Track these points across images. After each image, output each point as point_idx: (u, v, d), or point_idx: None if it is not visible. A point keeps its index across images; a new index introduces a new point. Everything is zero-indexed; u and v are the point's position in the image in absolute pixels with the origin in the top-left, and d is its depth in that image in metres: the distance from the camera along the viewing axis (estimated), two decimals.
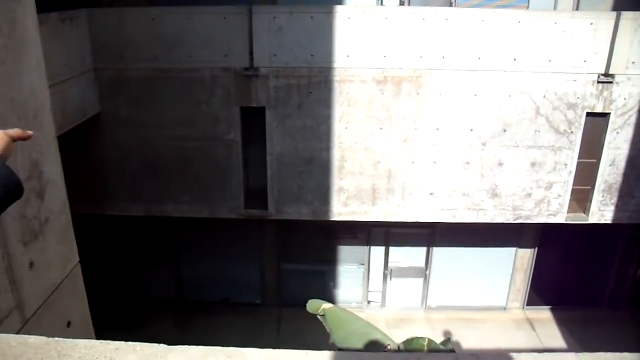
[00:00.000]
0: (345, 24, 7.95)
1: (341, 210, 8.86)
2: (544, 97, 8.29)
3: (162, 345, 1.20)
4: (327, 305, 4.84)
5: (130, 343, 1.20)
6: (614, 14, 8.07)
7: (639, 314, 11.02)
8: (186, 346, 1.18)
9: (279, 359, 1.24)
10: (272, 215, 9.03)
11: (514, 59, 8.12)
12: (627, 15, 7.95)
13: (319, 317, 4.92)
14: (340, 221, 9.11)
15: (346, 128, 8.36)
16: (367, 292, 11.32)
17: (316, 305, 4.87)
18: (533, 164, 8.65)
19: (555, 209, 8.97)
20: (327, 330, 4.85)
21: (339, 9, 7.99)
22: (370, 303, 11.41)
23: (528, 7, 9.58)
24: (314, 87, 8.22)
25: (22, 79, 2.95)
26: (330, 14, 7.94)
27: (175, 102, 8.29)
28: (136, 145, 8.56)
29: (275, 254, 11.01)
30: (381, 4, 9.63)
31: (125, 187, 8.84)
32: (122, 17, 7.95)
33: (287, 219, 9.19)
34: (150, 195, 8.88)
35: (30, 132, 1.37)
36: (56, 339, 1.19)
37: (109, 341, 1.20)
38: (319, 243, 11.11)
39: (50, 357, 1.13)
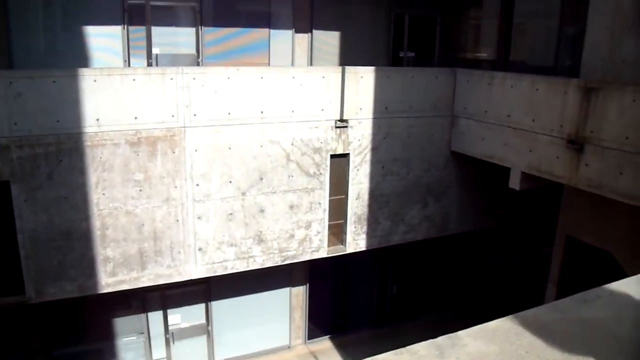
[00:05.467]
0: (92, 87, 7.71)
1: (109, 280, 8.41)
2: (292, 144, 9.05)
3: None
4: None
5: None
6: (340, 68, 9.29)
7: (400, 328, 12.37)
8: None
9: None
10: (33, 300, 8.17)
11: (262, 112, 8.75)
12: (349, 69, 9.22)
13: None
14: (110, 292, 8.62)
15: (104, 194, 8.04)
16: None
17: None
18: (291, 207, 9.31)
19: (317, 245, 9.74)
20: None
21: (83, 71, 7.74)
22: None
23: (269, 64, 10.45)
24: (63, 154, 7.77)
25: None
26: (74, 77, 7.64)
27: None
28: None
29: (44, 341, 9.92)
30: (129, 65, 9.61)
31: None
32: None
33: (51, 300, 8.39)
34: None
35: None
36: None
37: None
38: (92, 319, 10.31)
39: None
